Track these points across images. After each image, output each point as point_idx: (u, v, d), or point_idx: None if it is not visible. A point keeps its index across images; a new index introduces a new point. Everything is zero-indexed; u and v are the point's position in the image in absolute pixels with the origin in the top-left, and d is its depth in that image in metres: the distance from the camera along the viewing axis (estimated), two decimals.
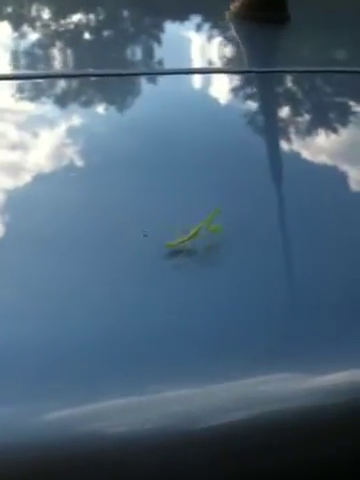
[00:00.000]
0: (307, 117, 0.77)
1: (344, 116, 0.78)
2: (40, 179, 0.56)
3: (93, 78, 0.76)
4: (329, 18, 1.04)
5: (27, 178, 0.57)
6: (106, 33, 1.00)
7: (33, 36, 0.93)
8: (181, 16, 1.06)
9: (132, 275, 0.44)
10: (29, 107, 0.71)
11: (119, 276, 0.44)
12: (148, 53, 0.91)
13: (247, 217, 0.51)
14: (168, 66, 0.81)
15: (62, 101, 0.73)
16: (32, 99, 0.73)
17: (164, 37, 0.97)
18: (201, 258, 0.47)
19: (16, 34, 0.94)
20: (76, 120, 0.68)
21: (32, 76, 0.75)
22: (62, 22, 1.02)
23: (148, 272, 0.44)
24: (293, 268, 0.48)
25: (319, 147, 0.68)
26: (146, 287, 0.43)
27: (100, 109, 0.73)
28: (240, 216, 0.50)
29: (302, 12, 1.00)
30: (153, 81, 0.79)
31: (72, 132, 0.64)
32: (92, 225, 0.49)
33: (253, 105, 0.79)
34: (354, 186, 0.60)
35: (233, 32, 1.01)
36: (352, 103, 0.82)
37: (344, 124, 0.76)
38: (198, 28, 1.02)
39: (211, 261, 0.47)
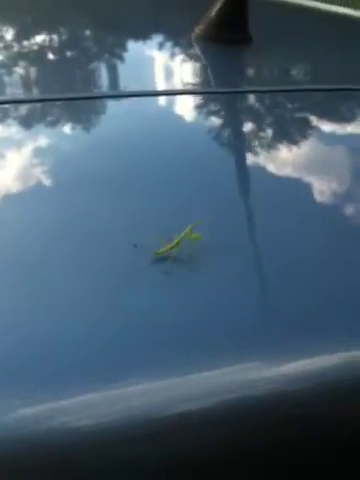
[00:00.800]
0: (271, 134, 0.81)
1: (307, 132, 0.81)
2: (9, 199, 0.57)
3: (60, 102, 0.77)
4: (290, 38, 1.09)
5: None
6: (72, 55, 1.02)
7: None
8: (147, 37, 1.10)
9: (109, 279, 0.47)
10: None
11: (100, 280, 0.47)
12: (113, 75, 0.93)
13: (217, 226, 0.54)
14: (134, 88, 0.83)
15: (29, 124, 0.74)
16: None
17: (129, 58, 0.99)
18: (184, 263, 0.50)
19: None
20: (43, 141, 0.69)
21: None
22: (26, 43, 1.03)
23: (123, 276, 0.47)
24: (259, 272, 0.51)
25: (283, 161, 0.71)
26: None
27: (68, 131, 0.75)
28: (211, 226, 0.53)
29: (265, 33, 1.04)
30: (118, 103, 0.81)
31: (39, 153, 0.65)
32: (71, 239, 0.51)
33: (219, 124, 0.82)
34: (316, 195, 0.63)
35: (198, 53, 1.05)
36: (314, 120, 0.85)
37: (307, 139, 0.79)
38: (164, 49, 1.05)
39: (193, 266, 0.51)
